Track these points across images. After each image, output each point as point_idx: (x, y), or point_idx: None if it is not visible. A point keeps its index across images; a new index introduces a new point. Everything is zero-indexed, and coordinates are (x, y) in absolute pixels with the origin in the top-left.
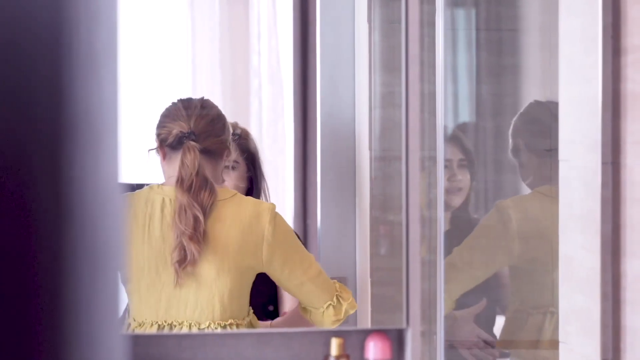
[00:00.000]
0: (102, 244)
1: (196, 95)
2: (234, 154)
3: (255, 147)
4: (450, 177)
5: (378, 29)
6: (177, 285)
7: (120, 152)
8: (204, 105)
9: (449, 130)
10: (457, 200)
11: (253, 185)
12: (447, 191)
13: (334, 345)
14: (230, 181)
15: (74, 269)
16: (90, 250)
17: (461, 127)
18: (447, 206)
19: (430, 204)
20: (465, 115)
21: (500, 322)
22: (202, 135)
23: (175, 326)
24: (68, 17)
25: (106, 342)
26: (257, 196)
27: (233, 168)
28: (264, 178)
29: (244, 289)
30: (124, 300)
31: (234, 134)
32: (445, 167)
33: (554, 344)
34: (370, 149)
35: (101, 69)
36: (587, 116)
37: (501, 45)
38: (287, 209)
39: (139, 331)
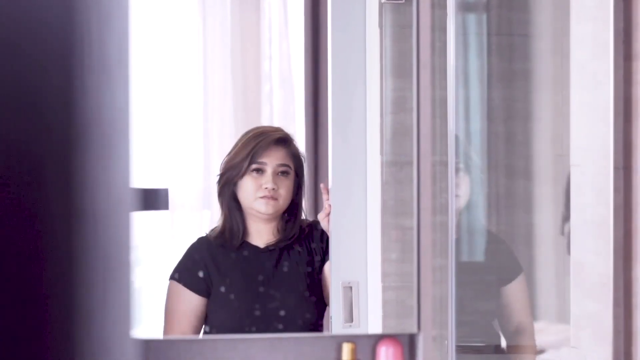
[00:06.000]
0: (114, 250)
1: (207, 100)
2: (285, 158)
3: (300, 153)
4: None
5: (389, 34)
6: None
7: (132, 157)
8: None
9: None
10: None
11: (300, 193)
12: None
13: (346, 350)
14: (284, 189)
15: (86, 273)
16: (103, 256)
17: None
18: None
19: (442, 208)
20: (477, 120)
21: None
22: None
23: None
24: (79, 24)
25: (118, 346)
26: (299, 204)
27: (286, 174)
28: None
29: None
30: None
31: (282, 140)
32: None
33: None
34: (381, 153)
35: (113, 74)
36: (599, 121)
37: (513, 50)
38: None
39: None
